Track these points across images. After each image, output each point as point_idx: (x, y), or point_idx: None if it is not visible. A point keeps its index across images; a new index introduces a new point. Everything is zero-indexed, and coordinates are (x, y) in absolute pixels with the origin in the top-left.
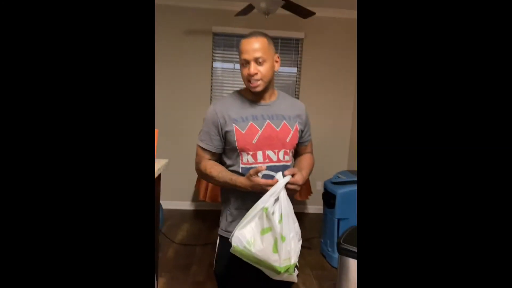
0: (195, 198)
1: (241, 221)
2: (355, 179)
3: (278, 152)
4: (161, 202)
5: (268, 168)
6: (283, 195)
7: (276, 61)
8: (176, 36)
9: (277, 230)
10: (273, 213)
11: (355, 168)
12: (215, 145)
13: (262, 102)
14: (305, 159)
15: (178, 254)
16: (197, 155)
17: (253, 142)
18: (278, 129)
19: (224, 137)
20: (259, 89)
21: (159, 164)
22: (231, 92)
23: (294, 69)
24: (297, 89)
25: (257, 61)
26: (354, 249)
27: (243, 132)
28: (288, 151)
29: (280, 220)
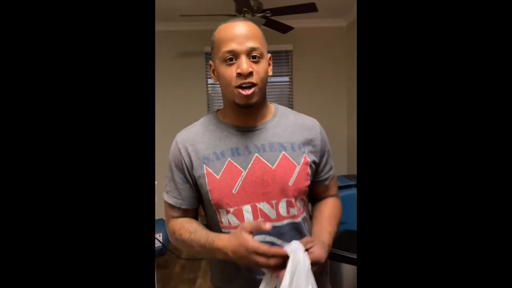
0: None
1: None
2: (350, 183)
3: (277, 203)
4: None
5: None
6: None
7: (269, 64)
8: (169, 60)
9: None
10: None
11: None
12: (184, 197)
13: (250, 125)
14: (327, 208)
15: (185, 269)
16: (165, 214)
17: (233, 191)
18: (273, 167)
19: (196, 184)
20: (254, 100)
21: None
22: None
23: (286, 78)
24: (290, 98)
25: (250, 54)
26: (342, 253)
27: (217, 177)
28: (293, 200)
29: None
